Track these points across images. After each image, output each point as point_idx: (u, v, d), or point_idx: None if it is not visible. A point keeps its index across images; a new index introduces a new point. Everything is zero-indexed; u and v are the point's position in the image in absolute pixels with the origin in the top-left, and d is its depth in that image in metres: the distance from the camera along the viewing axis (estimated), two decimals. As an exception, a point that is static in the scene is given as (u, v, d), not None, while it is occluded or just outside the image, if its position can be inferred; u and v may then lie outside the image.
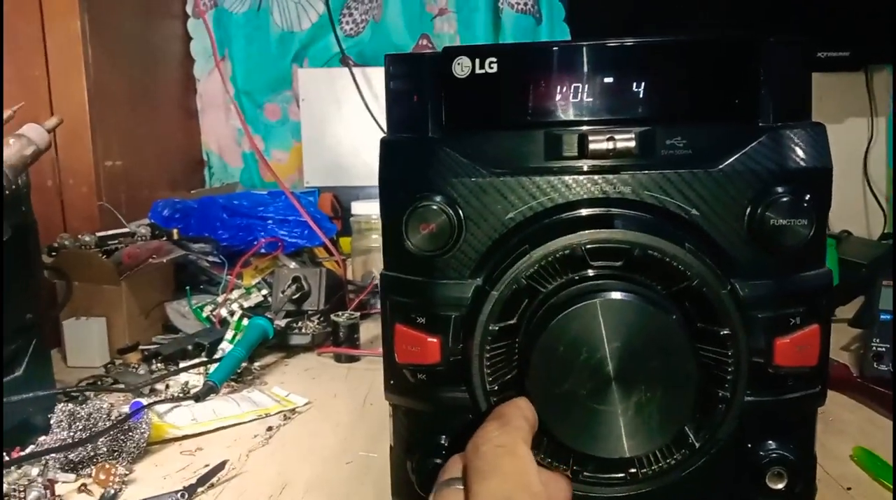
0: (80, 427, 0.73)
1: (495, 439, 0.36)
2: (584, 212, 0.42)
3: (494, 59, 0.42)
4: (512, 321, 0.42)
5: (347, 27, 1.68)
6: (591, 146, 0.40)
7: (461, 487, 0.36)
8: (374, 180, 0.47)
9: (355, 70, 1.56)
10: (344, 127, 1.63)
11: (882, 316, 0.91)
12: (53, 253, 1.06)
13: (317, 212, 1.34)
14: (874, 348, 0.89)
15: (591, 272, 0.41)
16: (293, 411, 0.87)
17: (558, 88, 0.43)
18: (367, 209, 1.30)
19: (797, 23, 1.41)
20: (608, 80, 0.42)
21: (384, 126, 0.48)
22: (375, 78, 1.55)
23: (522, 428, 0.37)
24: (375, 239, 1.29)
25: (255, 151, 1.59)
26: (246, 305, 1.15)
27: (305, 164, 1.66)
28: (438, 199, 0.42)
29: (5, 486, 0.67)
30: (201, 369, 0.97)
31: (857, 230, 1.55)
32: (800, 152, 0.42)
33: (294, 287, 1.14)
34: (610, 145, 0.40)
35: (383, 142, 0.46)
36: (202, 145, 1.75)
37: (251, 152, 1.71)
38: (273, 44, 1.69)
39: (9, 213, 0.72)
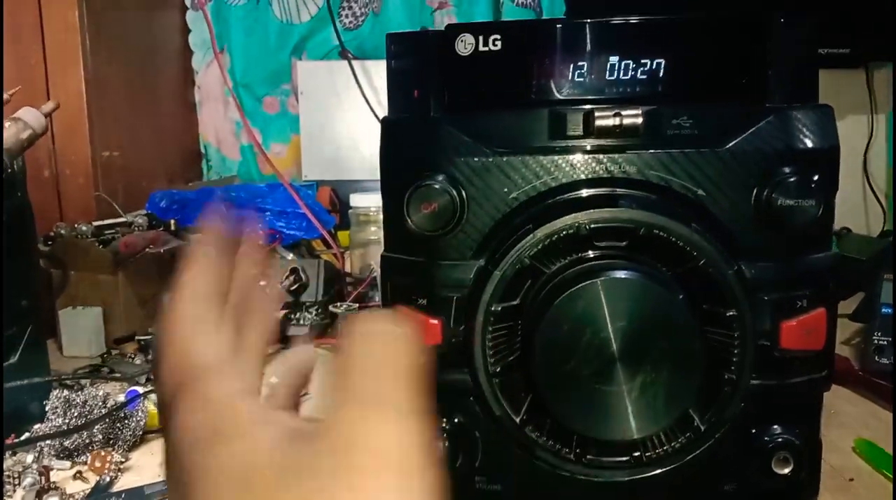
0: (76, 414, 0.73)
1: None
2: (589, 192, 0.41)
3: (498, 37, 0.42)
4: (515, 302, 0.41)
5: (347, 20, 1.67)
6: (598, 123, 0.40)
7: None
8: (373, 175, 0.46)
9: (355, 63, 1.55)
10: (343, 121, 1.62)
11: (883, 310, 0.91)
12: (49, 242, 1.05)
13: (315, 204, 1.33)
14: (875, 341, 0.89)
15: (595, 253, 0.40)
16: (291, 401, 0.87)
17: (563, 66, 0.42)
18: (366, 201, 1.29)
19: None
20: (613, 58, 0.42)
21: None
22: (375, 71, 1.54)
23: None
24: (374, 231, 1.28)
25: (255, 144, 1.59)
26: (243, 296, 1.14)
27: (304, 157, 1.65)
28: (441, 178, 0.42)
29: (-1, 473, 0.66)
30: (198, 359, 0.97)
31: (857, 227, 1.54)
32: (807, 133, 0.41)
33: (292, 278, 1.13)
34: (616, 121, 0.39)
35: (385, 121, 0.45)
36: (200, 138, 1.74)
37: (249, 145, 1.71)
38: (272, 36, 1.68)
39: (4, 198, 0.71)
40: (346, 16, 1.67)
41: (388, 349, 0.25)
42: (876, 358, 0.88)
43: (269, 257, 0.35)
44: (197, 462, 0.24)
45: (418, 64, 0.44)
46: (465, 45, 0.42)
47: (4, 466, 0.68)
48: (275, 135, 1.72)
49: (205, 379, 0.26)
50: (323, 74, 1.62)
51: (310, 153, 1.64)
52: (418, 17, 1.67)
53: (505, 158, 0.42)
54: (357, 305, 1.08)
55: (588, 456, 0.41)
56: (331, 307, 1.06)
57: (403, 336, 0.25)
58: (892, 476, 0.63)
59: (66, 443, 0.71)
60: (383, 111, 0.47)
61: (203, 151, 1.74)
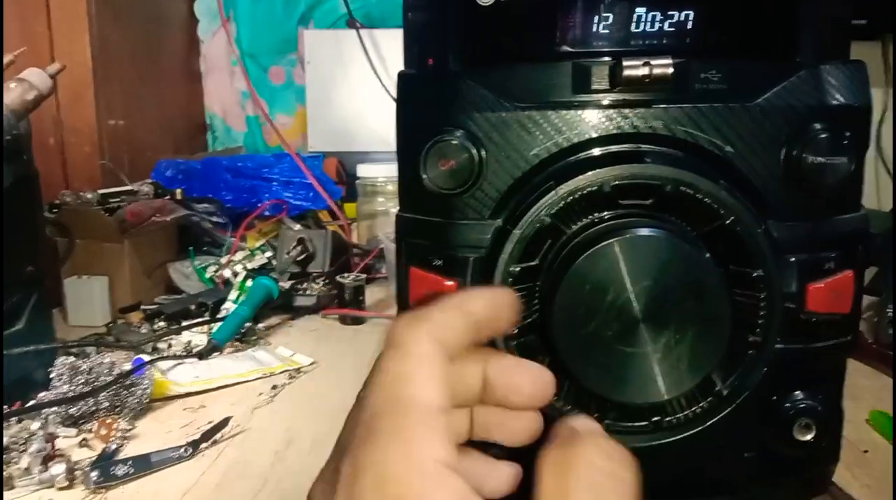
0: (82, 382, 0.72)
1: (395, 333, 0.27)
2: (613, 147, 0.40)
3: (521, -14, 0.40)
4: (534, 262, 0.40)
5: (354, -12, 1.65)
6: (626, 73, 0.38)
7: None
8: (380, 146, 0.45)
9: (362, 32, 1.53)
10: (350, 91, 1.60)
11: (898, 283, 0.90)
12: (55, 210, 1.05)
13: (322, 175, 1.32)
14: (889, 314, 0.88)
15: (619, 211, 0.39)
16: (298, 370, 0.86)
17: (587, 17, 0.40)
18: (374, 172, 1.28)
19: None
20: (640, 9, 0.40)
21: (391, 90, 0.45)
22: (383, 41, 1.52)
23: (440, 321, 0.27)
24: (381, 202, 1.27)
25: (262, 113, 1.57)
26: (250, 266, 1.13)
27: (310, 128, 1.63)
28: (459, 134, 0.40)
29: (6, 439, 0.66)
30: (204, 328, 0.96)
31: (868, 202, 1.52)
32: (839, 89, 0.40)
33: (299, 249, 1.12)
34: (646, 71, 0.38)
35: (401, 75, 0.44)
36: (205, 108, 1.72)
37: (255, 116, 1.69)
38: (279, 5, 1.66)
39: (10, 160, 0.70)
40: (354, -16, 1.65)
41: (610, 464, 0.26)
42: (889, 331, 0.87)
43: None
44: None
45: (436, 15, 0.43)
46: (485, -6, 0.41)
47: (11, 433, 0.67)
48: (280, 106, 1.70)
49: (425, 424, 0.24)
50: (330, 44, 1.60)
51: (316, 124, 1.62)
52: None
53: (526, 113, 0.40)
54: (364, 276, 1.07)
55: (606, 421, 0.40)
56: (338, 278, 1.05)
57: (626, 456, 0.26)
58: (907, 448, 0.63)
59: (72, 410, 0.70)
60: (391, 81, 0.46)
61: (208, 121, 1.73)
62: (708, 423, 0.41)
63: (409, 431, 0.23)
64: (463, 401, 0.31)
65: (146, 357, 0.83)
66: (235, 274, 1.10)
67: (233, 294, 1.02)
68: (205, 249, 1.19)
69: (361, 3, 1.64)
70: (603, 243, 0.36)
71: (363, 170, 1.30)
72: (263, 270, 1.14)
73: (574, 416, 0.30)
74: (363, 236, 1.31)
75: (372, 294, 1.11)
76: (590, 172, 0.38)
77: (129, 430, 0.71)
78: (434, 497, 0.22)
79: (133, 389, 0.74)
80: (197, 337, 0.94)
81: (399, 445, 0.23)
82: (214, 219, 1.18)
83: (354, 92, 1.59)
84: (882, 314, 0.89)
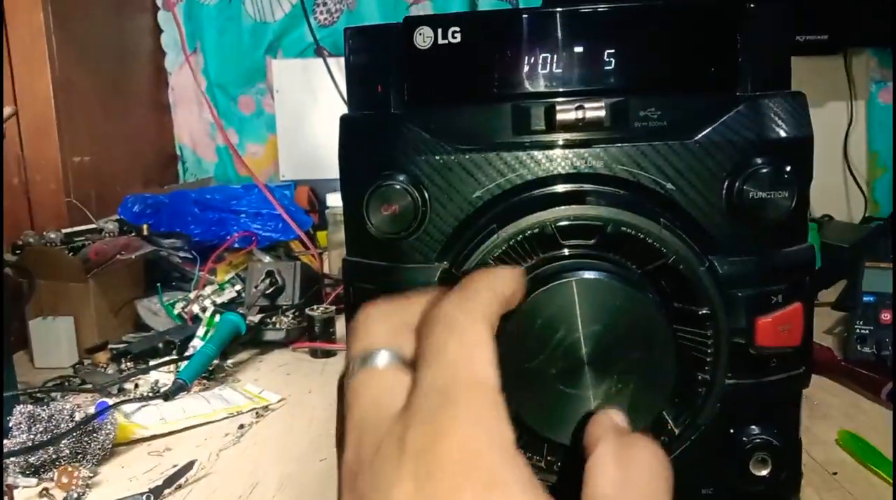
0: (41, 430, 0.71)
1: (448, 313, 0.28)
2: (555, 188, 0.39)
3: (458, 29, 0.40)
4: (481, 305, 0.39)
5: (321, 17, 1.65)
6: (559, 117, 0.38)
7: (392, 366, 0.29)
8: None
9: (330, 60, 1.54)
10: (319, 118, 1.60)
11: (865, 298, 0.90)
12: (18, 251, 1.03)
13: (291, 205, 1.32)
14: (858, 330, 0.88)
15: (563, 252, 0.38)
16: (266, 408, 0.85)
17: (526, 58, 0.40)
18: (343, 201, 1.27)
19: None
20: (578, 48, 0.40)
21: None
22: (350, 68, 1.52)
23: (486, 302, 0.29)
24: (352, 231, 1.26)
25: (228, 145, 1.56)
26: (219, 301, 1.12)
27: (281, 157, 1.63)
28: (402, 178, 0.40)
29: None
30: (172, 367, 0.95)
31: (839, 214, 1.54)
32: (780, 122, 0.40)
33: (267, 282, 1.11)
34: (579, 115, 0.38)
35: (343, 119, 0.43)
36: (175, 140, 1.71)
37: (225, 146, 1.68)
38: (246, 35, 1.66)
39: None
40: (321, 12, 1.66)
41: (660, 465, 0.28)
42: (858, 347, 0.87)
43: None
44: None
45: (377, 59, 0.42)
46: (423, 38, 0.41)
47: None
48: (251, 135, 1.70)
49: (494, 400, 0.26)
50: (298, 72, 1.60)
51: (287, 153, 1.62)
52: (393, 12, 1.65)
53: (468, 156, 0.40)
54: (334, 307, 1.06)
55: (559, 464, 0.39)
56: (307, 310, 1.04)
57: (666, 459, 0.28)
58: (876, 469, 0.62)
59: (32, 459, 0.69)
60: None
61: (178, 153, 1.72)
62: (662, 462, 0.40)
63: (487, 410, 0.25)
64: None
65: (111, 400, 0.82)
66: (204, 309, 1.09)
67: (201, 330, 1.00)
68: (174, 284, 1.18)
69: (329, 31, 1.64)
70: (554, 283, 0.36)
71: (333, 199, 1.29)
72: (233, 303, 1.12)
73: (605, 410, 0.33)
74: (335, 266, 1.30)
75: (343, 326, 1.10)
76: (532, 215, 0.38)
77: (92, 477, 0.69)
78: (510, 473, 0.24)
79: (95, 434, 0.72)
80: (164, 376, 0.93)
81: (481, 421, 0.25)
82: (182, 254, 1.17)
83: (324, 120, 1.59)
84: (851, 330, 0.89)
